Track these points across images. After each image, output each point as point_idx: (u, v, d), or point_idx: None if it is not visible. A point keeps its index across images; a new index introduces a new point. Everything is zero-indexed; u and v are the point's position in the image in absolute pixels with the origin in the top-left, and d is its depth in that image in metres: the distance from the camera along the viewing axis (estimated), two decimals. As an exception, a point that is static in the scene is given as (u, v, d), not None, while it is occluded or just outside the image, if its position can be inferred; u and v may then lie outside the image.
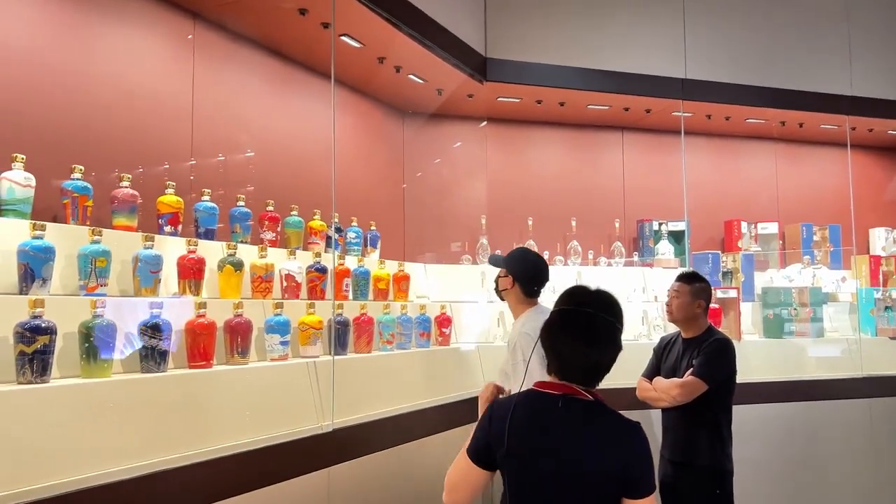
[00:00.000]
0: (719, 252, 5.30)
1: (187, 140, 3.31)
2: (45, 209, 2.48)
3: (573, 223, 4.99)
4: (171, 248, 2.68)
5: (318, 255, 3.31)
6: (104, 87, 2.95)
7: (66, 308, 2.17)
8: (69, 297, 2.30)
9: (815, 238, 5.64)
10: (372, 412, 3.04)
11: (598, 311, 1.72)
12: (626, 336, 1.78)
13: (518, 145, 5.35)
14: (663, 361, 3.16)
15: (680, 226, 5.12)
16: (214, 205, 3.01)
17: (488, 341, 4.24)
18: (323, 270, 3.25)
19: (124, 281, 2.52)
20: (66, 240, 2.33)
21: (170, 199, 2.80)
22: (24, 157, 2.38)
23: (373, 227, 4.06)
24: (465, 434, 1.87)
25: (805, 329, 4.82)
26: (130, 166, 2.91)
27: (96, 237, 2.36)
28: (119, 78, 3.01)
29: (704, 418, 2.93)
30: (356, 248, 3.86)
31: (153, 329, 2.31)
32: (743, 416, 3.20)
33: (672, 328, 3.33)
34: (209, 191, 3.04)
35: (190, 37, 3.34)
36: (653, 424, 3.29)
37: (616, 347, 1.72)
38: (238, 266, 2.86)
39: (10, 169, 2.34)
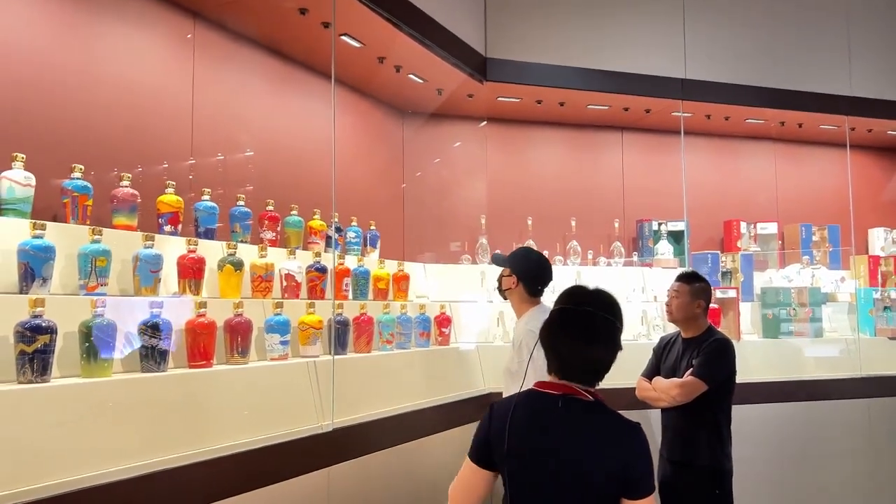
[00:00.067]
0: (718, 252, 5.30)
1: (187, 139, 3.31)
2: (45, 208, 2.48)
3: (573, 223, 4.99)
4: (171, 248, 2.68)
5: (317, 254, 3.31)
6: (104, 86, 2.95)
7: (67, 307, 2.17)
8: (69, 297, 2.30)
9: (815, 238, 5.64)
10: (372, 412, 3.05)
11: (598, 311, 1.72)
12: (626, 336, 1.78)
13: (518, 145, 5.36)
14: (663, 361, 3.16)
15: (679, 226, 5.12)
16: (214, 204, 3.01)
17: (488, 341, 4.25)
18: (323, 270, 3.25)
19: (124, 280, 2.52)
20: (67, 239, 2.33)
21: (170, 198, 2.80)
22: (24, 156, 2.38)
23: (372, 227, 4.06)
24: (464, 434, 1.88)
25: (804, 329, 4.83)
26: (130, 165, 2.91)
27: (96, 236, 2.36)
28: (119, 77, 3.01)
29: (704, 418, 2.93)
30: (356, 247, 3.86)
31: (153, 328, 2.31)
32: (742, 416, 3.20)
33: (672, 328, 3.33)
34: (209, 190, 3.04)
35: (190, 36, 3.34)
36: (652, 424, 3.29)
37: (615, 347, 1.72)
38: (238, 266, 2.86)
39: (10, 168, 2.34)
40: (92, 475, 1.93)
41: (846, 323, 5.19)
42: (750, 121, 5.37)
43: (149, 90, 3.13)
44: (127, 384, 2.20)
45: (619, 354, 1.73)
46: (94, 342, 2.14)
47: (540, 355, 1.81)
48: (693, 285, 3.08)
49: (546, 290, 3.05)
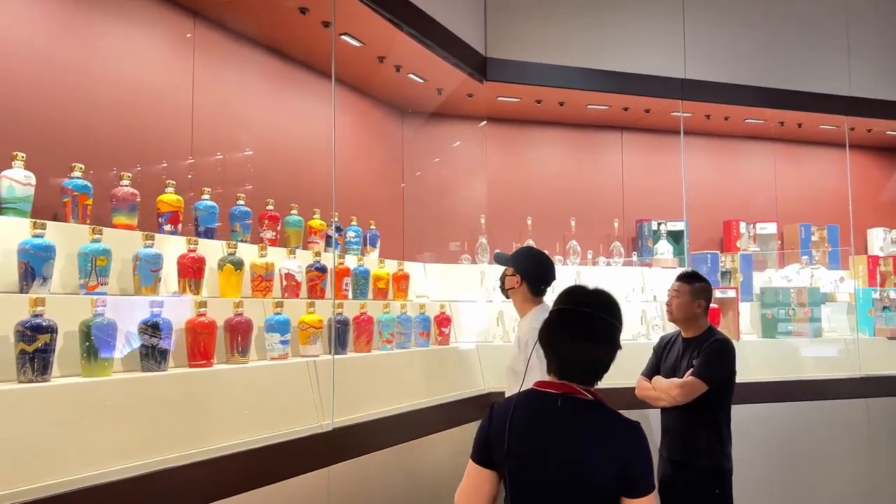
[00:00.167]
0: (718, 252, 5.31)
1: (187, 139, 3.31)
2: (46, 208, 2.48)
3: (572, 223, 4.99)
4: (171, 247, 2.68)
5: (317, 254, 3.31)
6: (104, 85, 2.95)
7: (67, 307, 2.17)
8: (69, 296, 2.30)
9: (814, 238, 5.65)
10: (371, 411, 3.05)
11: (597, 311, 1.73)
12: (625, 336, 1.78)
13: (518, 145, 5.36)
14: (663, 361, 3.16)
15: (679, 226, 5.12)
16: (214, 204, 3.01)
17: (487, 341, 4.25)
18: (323, 269, 3.25)
19: (124, 280, 2.52)
20: (67, 238, 2.33)
21: (170, 197, 2.80)
22: (24, 155, 2.37)
23: (372, 227, 4.06)
24: (464, 434, 1.88)
25: (803, 329, 4.84)
26: (130, 165, 2.91)
27: (96, 236, 2.36)
28: (119, 76, 3.01)
29: (704, 418, 2.94)
30: (356, 247, 3.86)
31: (153, 328, 2.31)
32: (741, 416, 3.20)
33: (671, 328, 3.33)
34: (209, 189, 3.04)
35: (190, 35, 3.34)
36: (652, 424, 3.29)
37: (615, 347, 1.72)
38: (238, 265, 2.86)
39: (11, 167, 2.34)
40: (92, 475, 1.93)
41: (845, 323, 5.19)
42: (749, 121, 5.38)
43: (149, 90, 3.13)
44: (127, 383, 2.20)
45: (619, 354, 1.73)
46: (94, 341, 2.14)
47: (540, 355, 1.81)
48: (693, 285, 3.08)
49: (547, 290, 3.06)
